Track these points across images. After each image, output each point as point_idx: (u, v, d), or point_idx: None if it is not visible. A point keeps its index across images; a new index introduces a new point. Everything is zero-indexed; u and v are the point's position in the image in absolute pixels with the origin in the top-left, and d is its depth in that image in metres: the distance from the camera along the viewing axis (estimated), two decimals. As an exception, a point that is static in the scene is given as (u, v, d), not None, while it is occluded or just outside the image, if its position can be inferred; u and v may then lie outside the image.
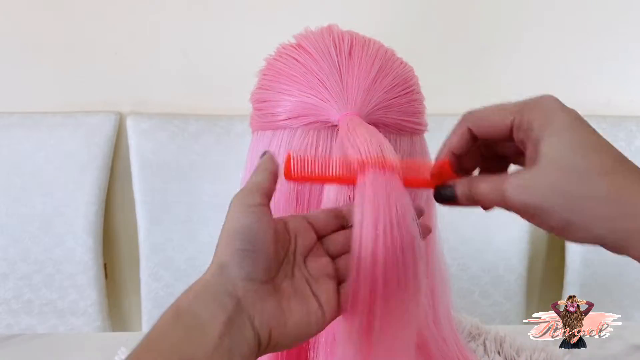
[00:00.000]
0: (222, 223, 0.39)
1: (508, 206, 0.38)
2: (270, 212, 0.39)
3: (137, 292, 1.39)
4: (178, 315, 0.35)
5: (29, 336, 0.94)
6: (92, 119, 1.34)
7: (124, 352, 0.61)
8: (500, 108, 0.40)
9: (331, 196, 0.45)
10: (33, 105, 1.37)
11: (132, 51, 1.35)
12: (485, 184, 0.39)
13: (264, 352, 0.37)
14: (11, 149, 1.33)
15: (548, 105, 0.38)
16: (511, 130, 0.39)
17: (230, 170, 1.32)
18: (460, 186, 0.41)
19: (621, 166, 0.35)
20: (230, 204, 0.39)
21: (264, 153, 0.41)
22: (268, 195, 0.39)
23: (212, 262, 0.38)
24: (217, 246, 0.38)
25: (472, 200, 0.40)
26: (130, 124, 1.32)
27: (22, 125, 1.33)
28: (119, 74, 1.37)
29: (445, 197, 0.42)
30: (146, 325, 1.36)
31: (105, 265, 1.40)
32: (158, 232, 1.33)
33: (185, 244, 1.33)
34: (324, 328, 0.40)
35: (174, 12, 1.33)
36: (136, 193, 1.33)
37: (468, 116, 0.42)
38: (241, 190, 0.40)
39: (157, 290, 1.35)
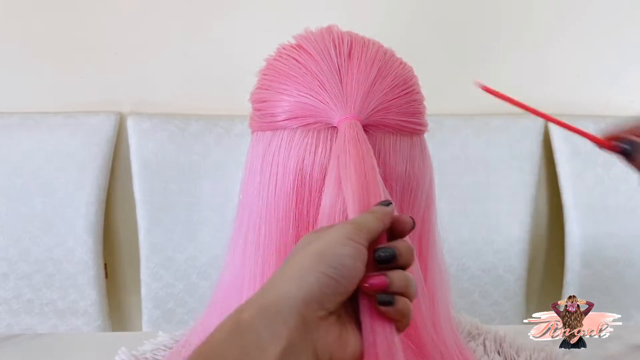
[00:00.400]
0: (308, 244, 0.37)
1: None
2: (366, 255, 0.37)
3: (137, 292, 1.39)
4: (238, 329, 0.33)
5: (29, 336, 0.94)
6: (92, 119, 1.34)
7: (124, 351, 0.61)
8: None
9: (327, 203, 0.45)
10: (33, 105, 1.37)
11: (133, 51, 1.35)
12: None
13: None
14: (11, 149, 1.33)
15: None
16: None
17: (231, 170, 1.32)
18: None
19: None
20: (331, 229, 0.38)
21: (389, 203, 0.40)
22: (371, 240, 0.38)
23: (286, 274, 0.36)
24: (293, 261, 0.36)
25: None
26: (130, 124, 1.32)
27: (23, 125, 1.34)
28: (119, 74, 1.37)
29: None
30: (146, 325, 1.36)
31: (105, 265, 1.40)
32: (158, 232, 1.33)
33: (185, 244, 1.34)
34: None
35: (174, 12, 1.33)
36: (136, 193, 1.33)
37: None
38: (351, 222, 0.38)
39: (157, 290, 1.35)
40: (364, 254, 0.37)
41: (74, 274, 1.35)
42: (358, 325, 0.38)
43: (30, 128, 1.33)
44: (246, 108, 0.54)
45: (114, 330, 1.45)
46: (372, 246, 0.38)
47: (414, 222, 0.40)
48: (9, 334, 0.95)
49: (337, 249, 0.36)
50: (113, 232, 1.45)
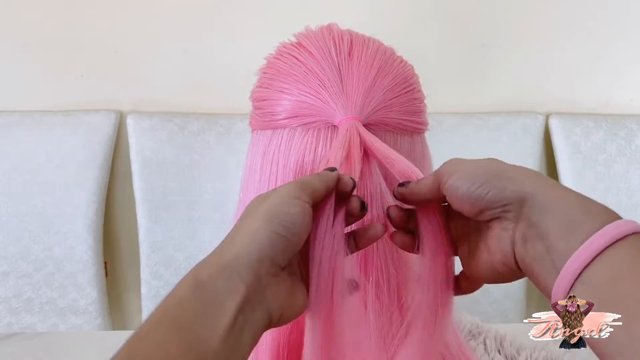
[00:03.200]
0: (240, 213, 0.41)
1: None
2: (312, 213, 0.40)
3: (137, 291, 1.39)
4: (198, 287, 0.36)
5: (30, 335, 0.94)
6: (92, 118, 1.34)
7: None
8: None
9: None
10: (33, 104, 1.37)
11: (133, 50, 1.35)
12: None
13: (270, 328, 0.39)
14: (11, 147, 1.32)
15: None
16: None
17: (231, 168, 1.32)
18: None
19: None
20: (277, 190, 0.40)
21: (333, 169, 0.42)
22: (315, 200, 0.40)
23: (240, 235, 0.38)
24: (246, 222, 0.39)
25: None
26: (130, 123, 1.32)
27: (23, 124, 1.33)
28: (119, 72, 1.36)
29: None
30: (146, 324, 1.36)
31: (105, 263, 1.40)
32: (158, 231, 1.33)
33: (185, 242, 1.33)
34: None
35: (174, 10, 1.33)
36: (136, 191, 1.33)
37: None
38: (295, 182, 0.41)
39: (157, 289, 1.35)
40: (309, 211, 0.39)
41: (74, 272, 1.35)
42: (305, 282, 0.41)
43: (30, 126, 1.33)
44: (246, 106, 0.54)
45: (114, 328, 1.45)
46: (318, 208, 0.41)
47: (354, 182, 0.42)
48: (9, 333, 0.95)
49: (285, 207, 0.38)
50: (113, 230, 1.45)
